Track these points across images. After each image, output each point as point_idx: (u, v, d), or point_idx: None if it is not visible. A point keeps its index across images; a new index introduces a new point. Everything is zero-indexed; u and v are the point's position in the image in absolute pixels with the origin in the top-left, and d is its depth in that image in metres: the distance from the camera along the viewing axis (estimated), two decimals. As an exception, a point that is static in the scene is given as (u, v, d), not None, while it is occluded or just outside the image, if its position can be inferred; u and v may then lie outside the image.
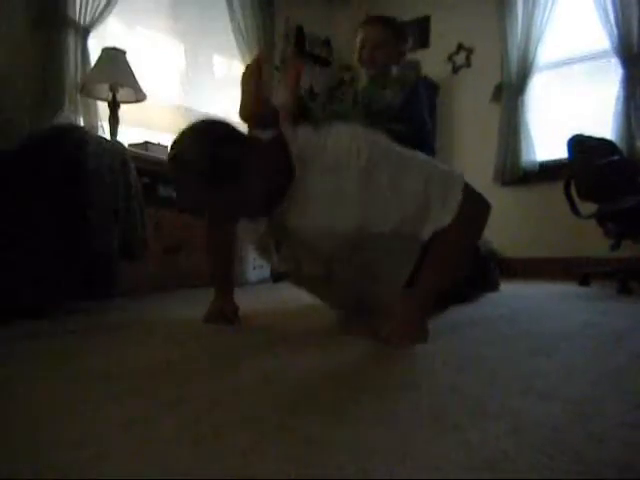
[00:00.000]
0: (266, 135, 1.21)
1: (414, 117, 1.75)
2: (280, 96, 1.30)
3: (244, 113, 1.34)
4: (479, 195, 1.19)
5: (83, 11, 2.58)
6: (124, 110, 2.60)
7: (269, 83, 1.37)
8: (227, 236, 1.58)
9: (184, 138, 1.10)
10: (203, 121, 1.13)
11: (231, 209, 1.20)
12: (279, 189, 1.16)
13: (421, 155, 1.20)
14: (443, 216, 1.11)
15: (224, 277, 1.59)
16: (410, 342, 1.13)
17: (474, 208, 1.16)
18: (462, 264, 1.31)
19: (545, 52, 3.42)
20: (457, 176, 1.16)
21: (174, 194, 1.21)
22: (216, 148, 1.05)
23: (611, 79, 3.20)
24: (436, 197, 1.11)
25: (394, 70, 1.82)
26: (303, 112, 1.28)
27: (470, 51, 3.82)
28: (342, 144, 1.14)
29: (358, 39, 1.81)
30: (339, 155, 1.13)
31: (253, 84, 1.30)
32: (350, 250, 1.25)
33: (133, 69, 2.54)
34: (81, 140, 1.77)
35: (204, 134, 1.09)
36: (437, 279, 1.19)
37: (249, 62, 1.34)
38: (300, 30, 4.05)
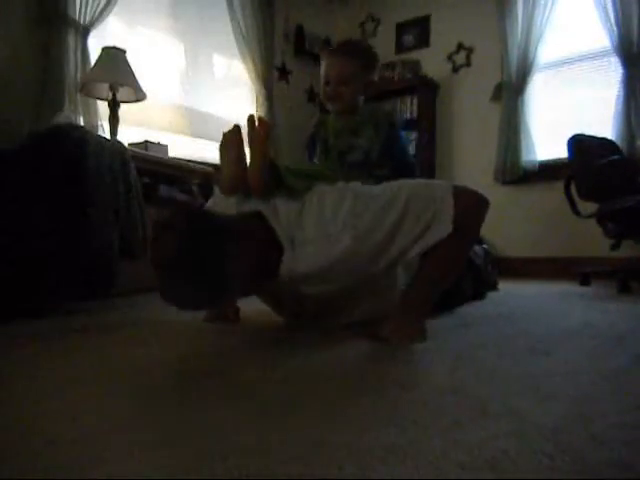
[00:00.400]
0: (248, 206, 1.17)
1: (396, 160, 1.60)
2: (250, 167, 1.16)
3: (226, 186, 1.22)
4: (474, 195, 1.19)
5: (83, 10, 2.58)
6: (124, 109, 2.60)
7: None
8: None
9: (159, 239, 0.98)
10: (174, 215, 1.02)
11: (222, 298, 1.14)
12: (268, 266, 1.11)
13: (403, 185, 1.17)
14: (439, 233, 1.11)
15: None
16: (409, 342, 1.13)
17: (469, 212, 1.16)
18: (461, 264, 1.30)
19: (545, 52, 3.42)
20: (444, 190, 1.14)
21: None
22: (194, 243, 0.94)
23: (611, 79, 3.20)
24: (428, 220, 1.11)
25: (361, 101, 1.62)
26: (277, 181, 1.16)
27: (470, 50, 3.82)
28: (325, 206, 1.13)
29: (322, 72, 1.58)
30: (324, 218, 1.11)
31: (233, 155, 1.18)
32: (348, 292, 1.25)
33: (133, 68, 2.54)
34: (81, 140, 1.77)
35: (179, 230, 0.96)
36: (436, 280, 1.20)
37: (226, 132, 1.20)
38: (300, 30, 4.06)
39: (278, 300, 1.41)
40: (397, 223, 1.10)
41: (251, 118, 1.17)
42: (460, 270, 1.28)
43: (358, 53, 1.60)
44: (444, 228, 1.11)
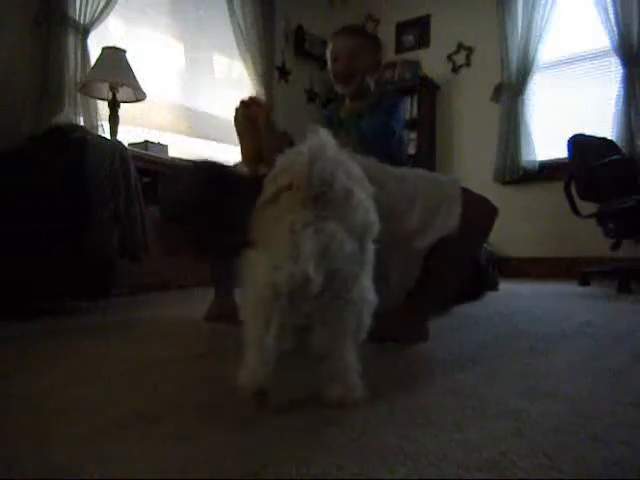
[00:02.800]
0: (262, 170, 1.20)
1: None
2: (265, 143, 1.21)
3: (246, 156, 1.27)
4: (482, 200, 1.19)
5: (83, 10, 2.58)
6: (124, 109, 2.60)
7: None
8: None
9: (176, 181, 1.06)
10: (193, 164, 1.08)
11: (232, 248, 1.17)
12: None
13: (410, 171, 1.20)
14: (443, 228, 1.11)
15: (224, 276, 1.59)
16: (411, 342, 1.13)
17: (477, 214, 1.16)
18: (466, 267, 1.29)
19: (545, 52, 3.42)
20: (453, 184, 1.16)
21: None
22: (211, 187, 0.99)
23: (611, 79, 3.20)
24: (435, 211, 1.12)
25: (372, 86, 1.59)
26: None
27: (470, 51, 3.82)
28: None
29: (329, 51, 1.58)
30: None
31: (248, 127, 1.24)
32: None
33: (133, 68, 2.54)
34: (81, 140, 1.77)
35: (196, 175, 1.03)
36: (440, 283, 1.19)
37: (237, 106, 1.27)
38: (300, 30, 4.05)
39: None
40: (409, 203, 1.12)
41: (244, 101, 1.24)
42: (464, 273, 1.27)
43: (364, 32, 1.76)
44: (451, 222, 1.11)
